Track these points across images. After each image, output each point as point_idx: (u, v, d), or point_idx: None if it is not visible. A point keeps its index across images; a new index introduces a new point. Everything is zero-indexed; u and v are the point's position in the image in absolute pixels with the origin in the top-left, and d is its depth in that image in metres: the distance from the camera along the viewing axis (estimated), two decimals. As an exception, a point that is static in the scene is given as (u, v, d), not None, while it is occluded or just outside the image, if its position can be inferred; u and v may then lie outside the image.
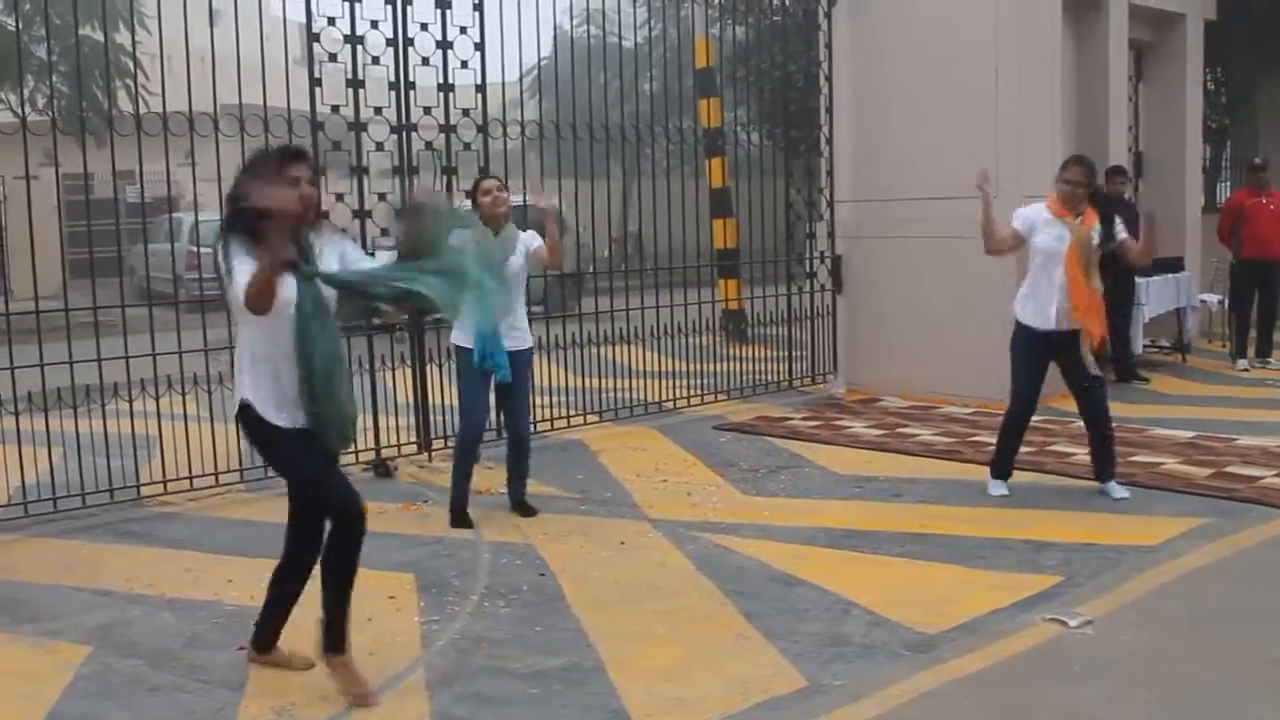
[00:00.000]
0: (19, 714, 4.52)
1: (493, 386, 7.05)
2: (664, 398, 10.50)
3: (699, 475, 8.10)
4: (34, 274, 7.24)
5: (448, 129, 8.79)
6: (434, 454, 8.78)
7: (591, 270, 10.79)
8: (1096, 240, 7.09)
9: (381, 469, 8.31)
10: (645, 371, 10.75)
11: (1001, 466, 7.43)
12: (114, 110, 7.91)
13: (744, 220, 12.45)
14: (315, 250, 4.47)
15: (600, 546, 6.51)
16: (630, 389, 10.55)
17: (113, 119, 7.64)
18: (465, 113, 8.85)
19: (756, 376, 11.23)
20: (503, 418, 7.27)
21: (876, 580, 5.84)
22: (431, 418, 8.83)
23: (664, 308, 10.47)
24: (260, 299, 4.15)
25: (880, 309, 11.14)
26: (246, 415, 4.46)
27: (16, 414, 7.30)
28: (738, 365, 11.32)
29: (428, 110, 8.72)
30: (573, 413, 9.86)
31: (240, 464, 8.09)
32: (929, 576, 5.89)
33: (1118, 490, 7.26)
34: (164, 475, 7.78)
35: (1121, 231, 7.26)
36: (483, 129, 8.96)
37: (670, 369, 10.99)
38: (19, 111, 7.18)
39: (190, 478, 7.80)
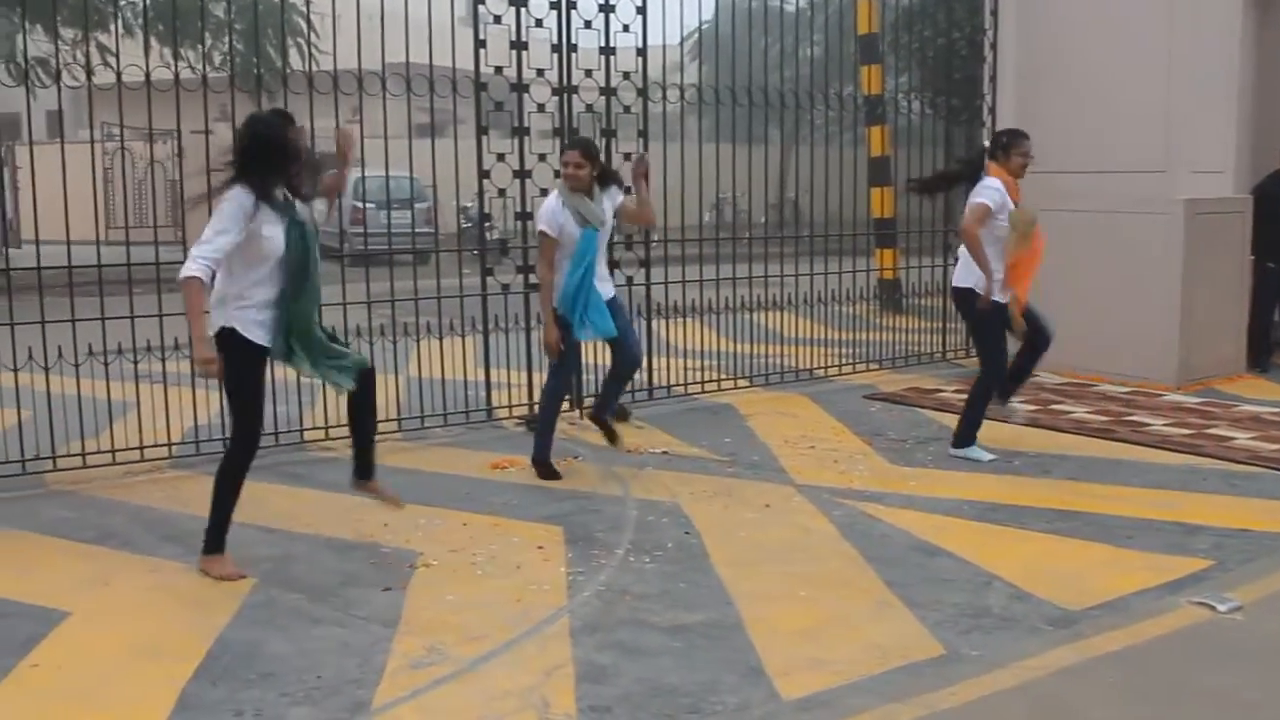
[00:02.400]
0: (191, 637, 4.83)
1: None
2: (815, 365, 10.53)
3: (847, 443, 8.14)
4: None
5: (608, 92, 8.92)
6: (584, 411, 8.92)
7: (747, 236, 10.85)
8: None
9: (533, 424, 8.51)
10: (798, 338, 10.79)
11: (973, 435, 7.69)
12: (287, 68, 8.23)
13: (902, 190, 12.36)
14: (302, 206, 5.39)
15: (746, 508, 6.61)
16: (782, 355, 10.60)
17: (286, 76, 7.95)
18: (626, 76, 8.98)
19: (909, 347, 11.19)
20: (613, 356, 7.40)
21: (1020, 554, 5.84)
22: (584, 376, 9.00)
23: (819, 275, 10.49)
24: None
25: (1038, 282, 10.94)
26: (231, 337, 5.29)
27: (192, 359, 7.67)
28: (891, 335, 11.29)
29: (589, 73, 8.87)
30: (724, 376, 9.96)
31: (398, 414, 8.38)
32: (1074, 553, 5.87)
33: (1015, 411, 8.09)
34: (326, 421, 8.09)
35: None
36: (642, 92, 9.07)
37: (823, 337, 11.00)
38: (198, 68, 7.52)
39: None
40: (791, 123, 10.19)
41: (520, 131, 8.62)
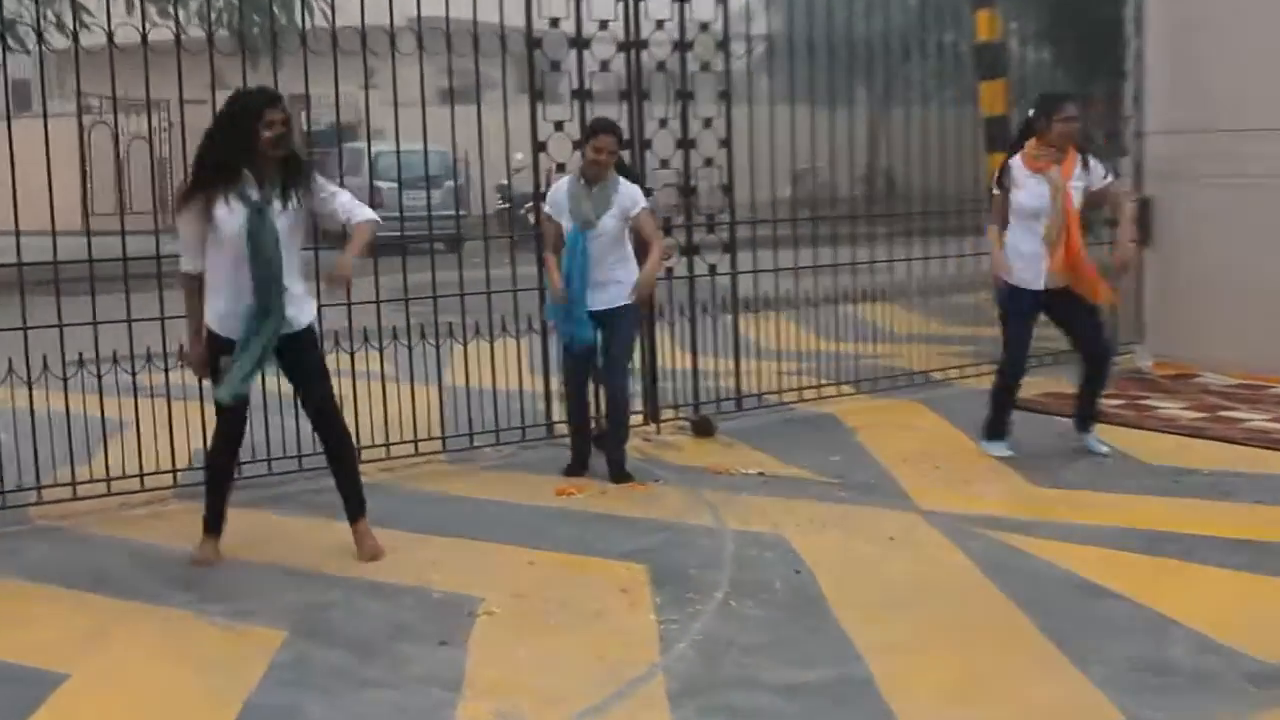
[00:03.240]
0: (213, 704, 4.71)
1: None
2: (931, 367, 10.36)
3: (978, 460, 7.97)
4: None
5: (682, 46, 8.81)
6: (663, 425, 8.89)
7: (835, 214, 10.69)
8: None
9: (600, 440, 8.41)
10: (907, 335, 10.60)
11: (1000, 429, 8.13)
12: (283, 21, 8.16)
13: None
14: (275, 190, 6.01)
15: (864, 541, 6.47)
16: (889, 355, 10.42)
17: (275, 33, 7.89)
18: (704, 27, 8.85)
19: (1043, 343, 10.93)
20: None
21: (1203, 595, 5.64)
22: (660, 383, 8.90)
23: (928, 260, 10.30)
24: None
25: (1200, 266, 10.70)
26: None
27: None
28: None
29: (660, 24, 8.74)
30: (823, 381, 9.83)
31: (442, 431, 8.30)
32: (1269, 594, 5.66)
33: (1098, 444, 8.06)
34: (358, 442, 7.95)
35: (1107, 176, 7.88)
36: (723, 45, 8.96)
37: (937, 333, 10.82)
38: (194, 26, 7.48)
39: (387, 445, 8.05)
40: (887, 78, 10.02)
41: (581, 95, 8.52)
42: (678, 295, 8.98)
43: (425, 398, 8.32)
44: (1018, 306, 7.88)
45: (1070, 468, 7.76)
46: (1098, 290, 7.74)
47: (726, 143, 8.96)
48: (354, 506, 6.40)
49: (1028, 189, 7.73)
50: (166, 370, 7.61)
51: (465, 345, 8.51)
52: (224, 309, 6.06)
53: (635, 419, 8.81)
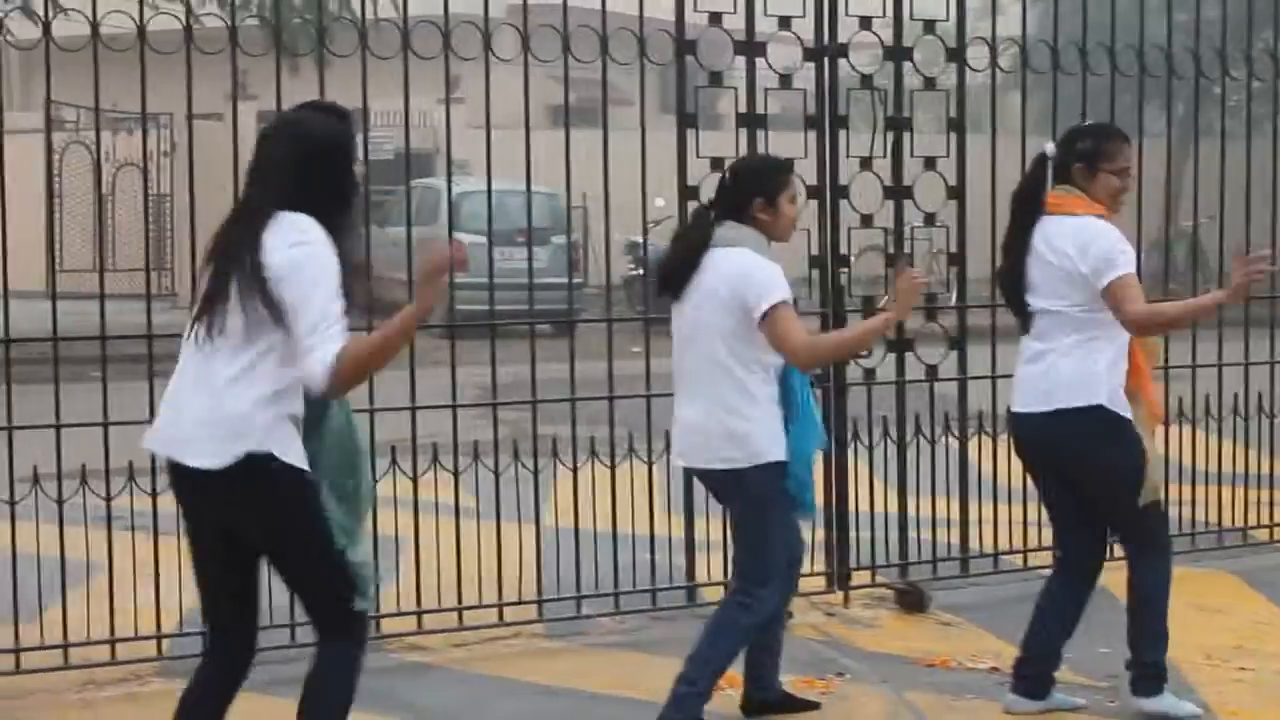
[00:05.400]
0: None
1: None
2: (1248, 522, 10.17)
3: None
4: (194, 274, 7.57)
5: (898, 54, 8.83)
6: (853, 593, 8.81)
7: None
8: None
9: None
10: (1209, 474, 10.35)
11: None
12: (327, 11, 8.28)
13: None
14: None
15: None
16: (1182, 501, 10.19)
17: (322, 25, 8.00)
18: (929, 27, 8.84)
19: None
20: None
21: None
22: (852, 534, 8.81)
23: (1251, 365, 10.09)
24: (371, 367, 5.31)
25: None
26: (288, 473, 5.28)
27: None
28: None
29: (866, 22, 8.74)
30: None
31: (539, 592, 8.27)
32: None
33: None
34: (418, 604, 8.01)
35: None
36: (957, 53, 8.93)
37: (1258, 470, 10.58)
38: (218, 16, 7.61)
39: (460, 609, 8.06)
40: (1188, 101, 9.90)
41: (751, 120, 8.53)
42: (881, 407, 8.92)
43: (516, 544, 8.31)
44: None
45: None
46: None
47: (958, 191, 8.94)
48: None
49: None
50: (155, 493, 7.65)
51: (575, 470, 8.49)
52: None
53: (813, 583, 8.73)
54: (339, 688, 5.46)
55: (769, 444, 6.58)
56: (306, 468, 5.28)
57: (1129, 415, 6.94)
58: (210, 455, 5.20)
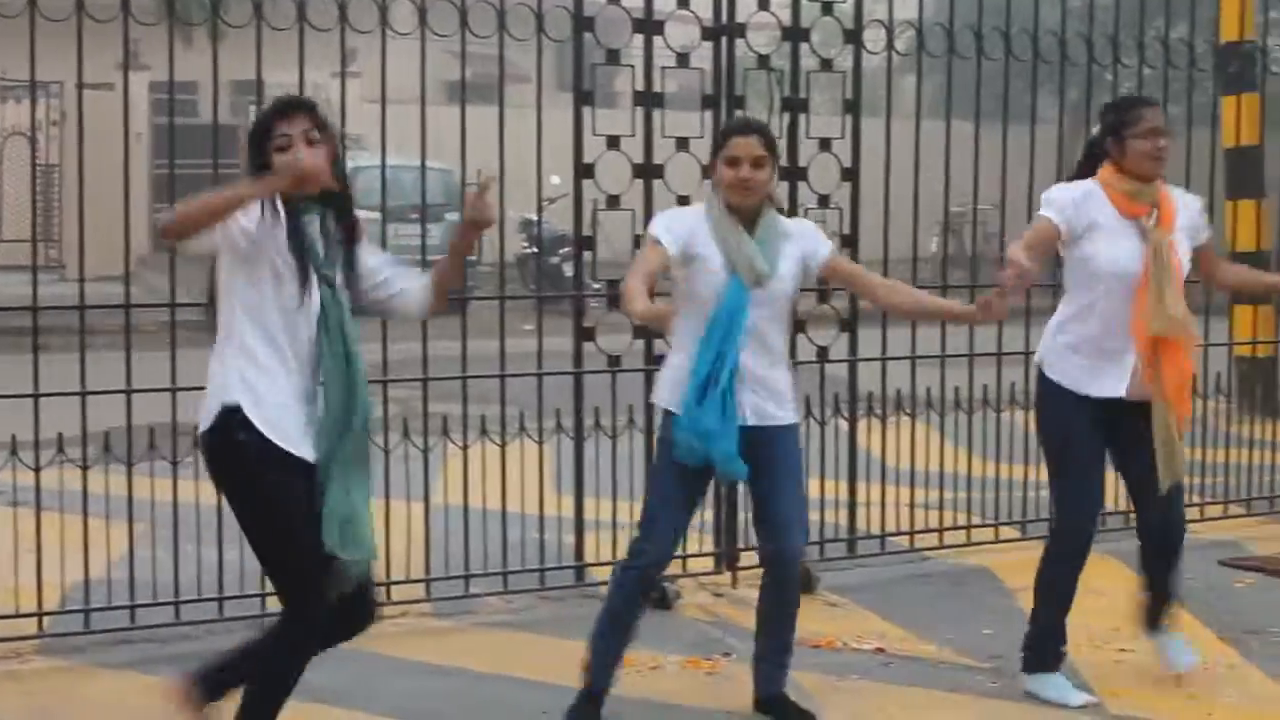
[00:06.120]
0: None
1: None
2: (1132, 505, 10.21)
3: (1198, 644, 7.82)
4: (81, 246, 7.54)
5: (795, 34, 8.84)
6: (741, 574, 8.84)
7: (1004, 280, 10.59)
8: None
9: (658, 596, 8.36)
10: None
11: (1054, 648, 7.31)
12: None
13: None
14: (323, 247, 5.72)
15: (1030, 760, 6.42)
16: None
17: (216, 0, 7.93)
18: (827, 8, 8.88)
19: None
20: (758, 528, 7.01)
21: None
22: (742, 515, 8.80)
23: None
24: (195, 222, 5.28)
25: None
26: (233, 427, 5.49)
27: (85, 465, 7.61)
28: (1264, 456, 11.01)
29: (764, 3, 8.75)
30: (975, 520, 9.80)
31: (428, 571, 8.30)
32: None
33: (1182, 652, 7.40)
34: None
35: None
36: (854, 35, 8.98)
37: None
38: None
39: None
40: (1082, 88, 9.95)
41: (648, 98, 8.54)
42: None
43: (405, 523, 8.32)
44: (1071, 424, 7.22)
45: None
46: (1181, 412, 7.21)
47: (852, 173, 9.00)
48: None
49: (1111, 240, 7.09)
50: (37, 468, 7.59)
51: (466, 449, 8.48)
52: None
53: (703, 563, 8.76)
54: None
55: (660, 389, 6.74)
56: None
57: (1060, 380, 7.11)
58: None
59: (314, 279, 5.53)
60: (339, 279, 5.68)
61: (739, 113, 8.51)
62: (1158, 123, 7.10)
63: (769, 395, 6.68)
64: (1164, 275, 6.94)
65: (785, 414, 6.75)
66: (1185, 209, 7.25)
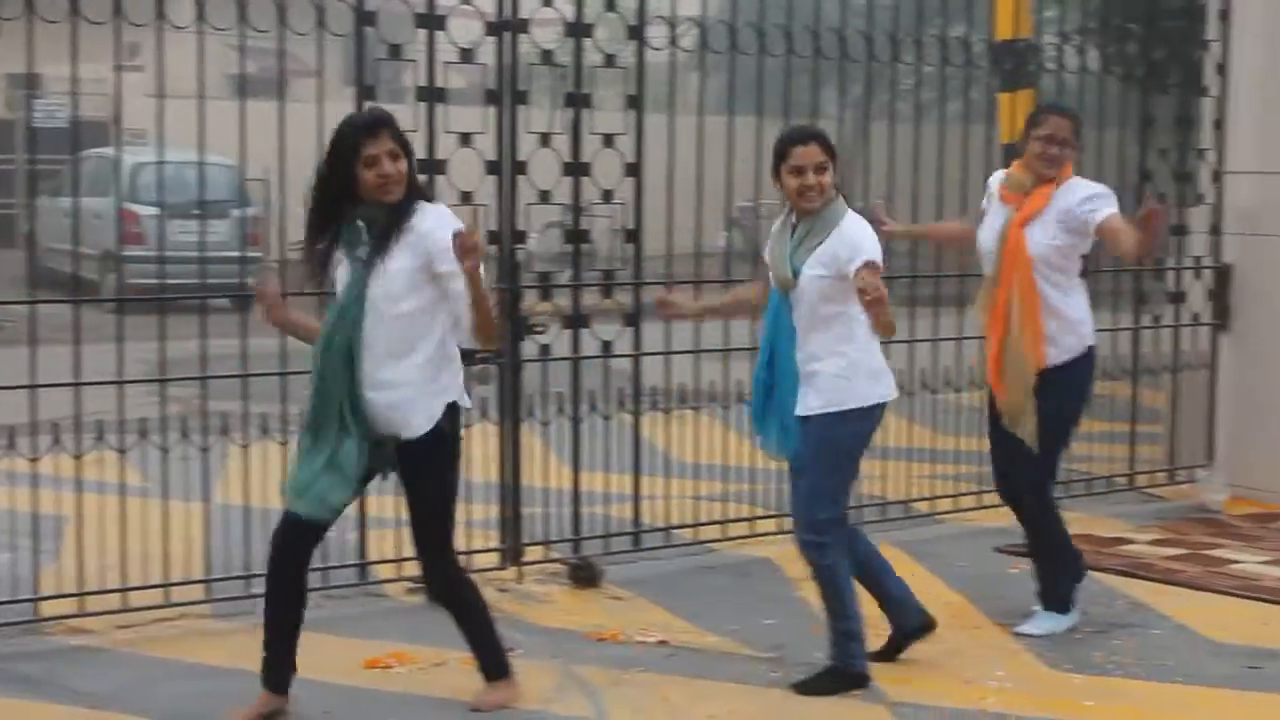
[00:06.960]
0: None
1: None
2: (912, 495, 10.43)
3: (974, 631, 8.01)
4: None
5: (579, 30, 8.86)
6: (526, 569, 8.82)
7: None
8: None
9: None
10: (884, 449, 10.55)
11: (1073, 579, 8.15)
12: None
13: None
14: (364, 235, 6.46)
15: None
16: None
17: None
18: (610, 4, 8.90)
19: (1074, 468, 11.00)
20: None
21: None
22: (525, 509, 8.86)
23: (915, 343, 10.33)
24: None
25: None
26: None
27: None
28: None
29: (548, -1, 8.77)
30: (759, 512, 9.84)
31: (207, 571, 8.20)
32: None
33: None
34: (80, 585, 7.88)
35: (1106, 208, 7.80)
36: (638, 31, 9.01)
37: (926, 446, 10.82)
38: None
39: (123, 590, 7.92)
40: (868, 84, 10.08)
41: (431, 93, 8.51)
42: (555, 383, 8.96)
43: (184, 522, 8.23)
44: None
45: (1102, 644, 7.83)
46: (1018, 415, 7.84)
47: (635, 169, 9.00)
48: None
49: (989, 221, 8.07)
50: None
51: (247, 448, 8.41)
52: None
53: (487, 559, 8.74)
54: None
55: None
56: None
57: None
58: None
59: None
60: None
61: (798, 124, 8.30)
62: (1054, 130, 7.80)
63: (809, 389, 7.07)
64: (1001, 257, 7.81)
65: (806, 407, 7.07)
66: (1060, 198, 7.74)
